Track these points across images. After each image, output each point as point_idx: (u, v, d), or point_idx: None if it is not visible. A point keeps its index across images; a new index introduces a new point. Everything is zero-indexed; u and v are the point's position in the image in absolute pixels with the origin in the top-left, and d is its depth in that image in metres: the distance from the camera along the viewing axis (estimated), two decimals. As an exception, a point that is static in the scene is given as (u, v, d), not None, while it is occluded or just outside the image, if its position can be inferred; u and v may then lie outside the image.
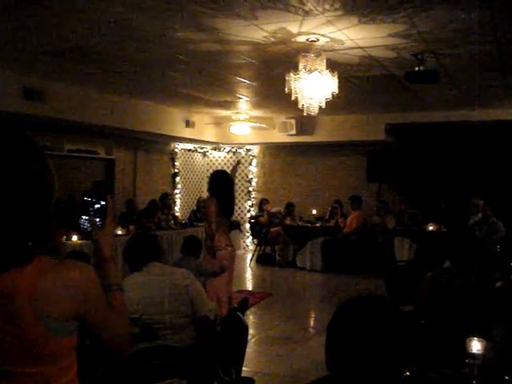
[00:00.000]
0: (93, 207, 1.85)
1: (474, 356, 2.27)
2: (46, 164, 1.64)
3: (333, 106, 8.07)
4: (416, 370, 2.44)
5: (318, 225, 11.99)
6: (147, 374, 2.70)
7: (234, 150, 14.46)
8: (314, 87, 5.95)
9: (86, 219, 1.85)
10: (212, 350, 3.19)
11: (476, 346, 2.28)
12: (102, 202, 1.85)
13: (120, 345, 1.79)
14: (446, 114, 10.90)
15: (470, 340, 2.29)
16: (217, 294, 5.55)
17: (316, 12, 5.04)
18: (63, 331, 1.60)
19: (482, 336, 2.55)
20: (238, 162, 7.25)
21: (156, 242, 3.83)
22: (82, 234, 1.69)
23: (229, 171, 6.95)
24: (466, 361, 2.29)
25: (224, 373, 3.04)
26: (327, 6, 4.87)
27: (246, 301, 3.81)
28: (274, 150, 14.15)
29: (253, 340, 6.71)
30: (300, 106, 6.26)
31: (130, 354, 1.88)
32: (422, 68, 6.42)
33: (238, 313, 3.37)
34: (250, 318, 7.74)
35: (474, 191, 10.22)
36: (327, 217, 12.24)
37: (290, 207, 12.60)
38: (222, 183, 6.12)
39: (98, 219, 1.84)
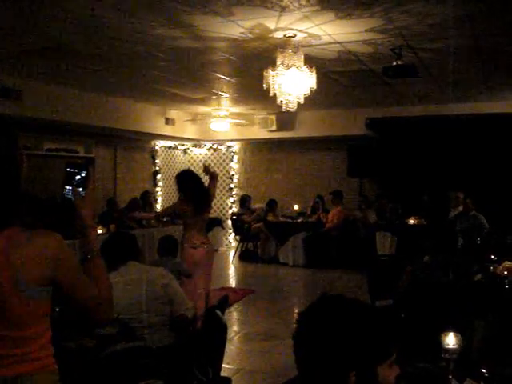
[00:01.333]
0: (75, 178, 1.97)
1: (449, 350, 2.28)
2: (12, 140, 1.79)
3: (313, 101, 8.03)
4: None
5: (299, 220, 12.00)
6: (124, 374, 2.67)
7: (214, 146, 14.42)
8: (292, 83, 5.93)
9: (69, 189, 1.97)
10: (190, 349, 3.17)
11: (451, 340, 2.28)
12: (84, 172, 1.97)
13: (96, 309, 1.88)
14: (425, 107, 10.96)
15: (446, 334, 2.29)
16: (194, 292, 5.51)
17: (292, 7, 5.02)
18: (37, 296, 1.72)
19: (461, 330, 2.56)
20: (207, 168, 6.79)
21: (134, 241, 3.80)
22: (65, 203, 1.80)
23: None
24: (442, 355, 2.29)
25: (201, 373, 3.01)
26: (303, 2, 4.85)
27: (225, 299, 3.77)
28: (254, 147, 14.14)
29: (236, 337, 6.70)
30: (278, 102, 6.25)
31: (109, 318, 1.99)
32: (399, 62, 6.43)
33: (217, 311, 3.34)
34: (233, 315, 7.74)
35: (454, 184, 10.29)
36: (309, 212, 12.27)
37: (272, 204, 12.59)
38: (188, 182, 6.09)
39: (80, 189, 1.95)
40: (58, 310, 3.18)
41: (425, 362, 2.60)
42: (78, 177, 1.96)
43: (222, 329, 3.30)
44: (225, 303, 3.73)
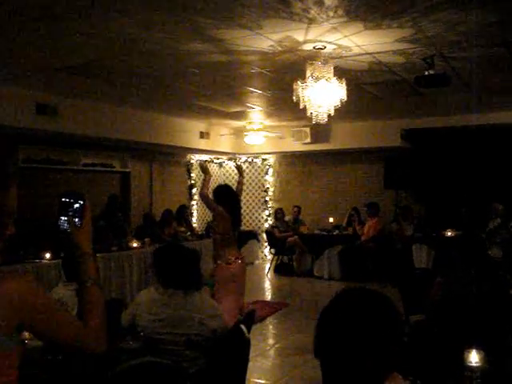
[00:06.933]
0: (71, 207, 1.89)
1: (472, 368, 2.19)
2: None
3: (347, 113, 7.96)
4: (418, 381, 2.37)
5: (335, 233, 11.89)
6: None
7: (249, 159, 14.45)
8: (322, 95, 5.89)
9: (65, 220, 1.88)
10: (208, 365, 3.11)
11: (474, 357, 2.20)
12: (81, 202, 1.89)
13: (83, 342, 1.76)
14: (461, 117, 10.75)
15: (468, 351, 2.21)
16: (227, 306, 5.46)
17: (320, 19, 5.00)
18: None
19: (494, 347, 2.47)
20: (239, 167, 6.95)
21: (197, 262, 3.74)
22: (61, 234, 1.77)
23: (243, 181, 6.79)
24: (465, 373, 2.21)
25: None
26: (331, 13, 4.83)
27: (251, 314, 3.68)
28: (289, 159, 14.11)
29: (270, 351, 6.70)
30: (308, 114, 6.22)
31: (105, 347, 1.82)
32: (431, 72, 6.33)
33: (242, 326, 3.27)
34: (269, 328, 7.77)
35: (492, 196, 10.07)
36: (344, 225, 12.14)
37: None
38: (228, 196, 6.08)
39: (76, 219, 1.88)
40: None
41: (454, 379, 2.52)
42: (75, 206, 1.89)
43: (245, 344, 3.22)
44: (251, 318, 3.66)
